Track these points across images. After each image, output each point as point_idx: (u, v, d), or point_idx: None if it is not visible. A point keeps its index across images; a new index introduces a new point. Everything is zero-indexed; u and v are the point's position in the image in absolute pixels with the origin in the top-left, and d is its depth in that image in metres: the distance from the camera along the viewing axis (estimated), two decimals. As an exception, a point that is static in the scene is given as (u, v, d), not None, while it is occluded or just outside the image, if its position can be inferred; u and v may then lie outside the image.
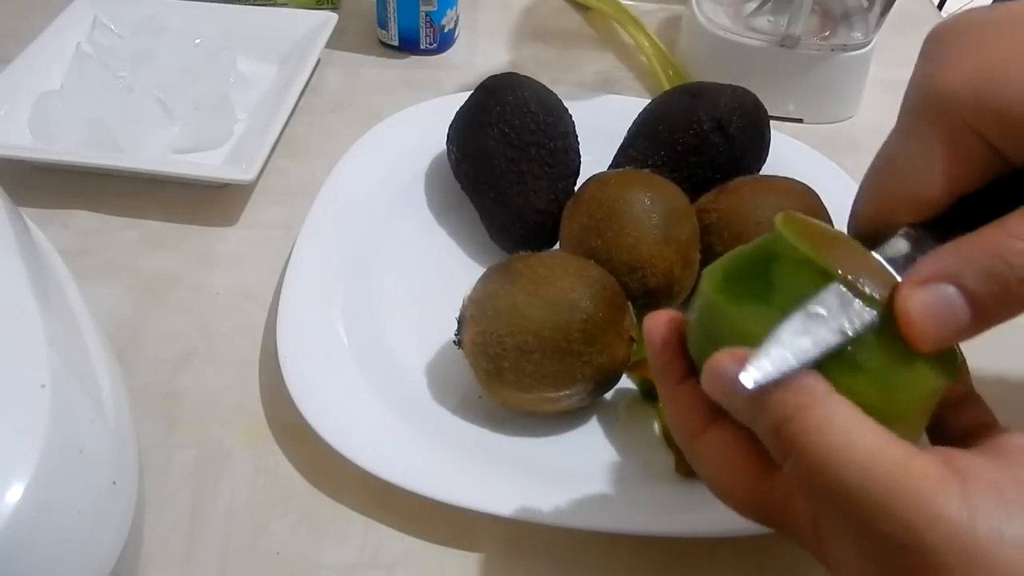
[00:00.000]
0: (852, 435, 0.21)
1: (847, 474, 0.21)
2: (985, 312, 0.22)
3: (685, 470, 0.37)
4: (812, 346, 0.22)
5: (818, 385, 0.22)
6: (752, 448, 0.25)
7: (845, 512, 0.21)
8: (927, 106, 0.24)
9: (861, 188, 0.27)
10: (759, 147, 0.48)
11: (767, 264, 0.24)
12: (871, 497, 0.20)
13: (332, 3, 0.68)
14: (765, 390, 0.22)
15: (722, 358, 0.23)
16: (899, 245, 0.25)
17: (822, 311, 0.22)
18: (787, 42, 0.57)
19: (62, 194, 0.52)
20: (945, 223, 0.24)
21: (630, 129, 0.50)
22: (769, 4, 0.60)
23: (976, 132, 0.23)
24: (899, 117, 0.26)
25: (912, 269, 0.23)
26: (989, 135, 0.23)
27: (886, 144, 0.26)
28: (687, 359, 0.27)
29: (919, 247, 0.24)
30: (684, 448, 0.28)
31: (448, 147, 0.50)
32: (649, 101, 0.50)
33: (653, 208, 0.41)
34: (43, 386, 0.28)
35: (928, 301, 0.22)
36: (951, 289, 0.22)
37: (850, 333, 0.22)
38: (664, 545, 0.36)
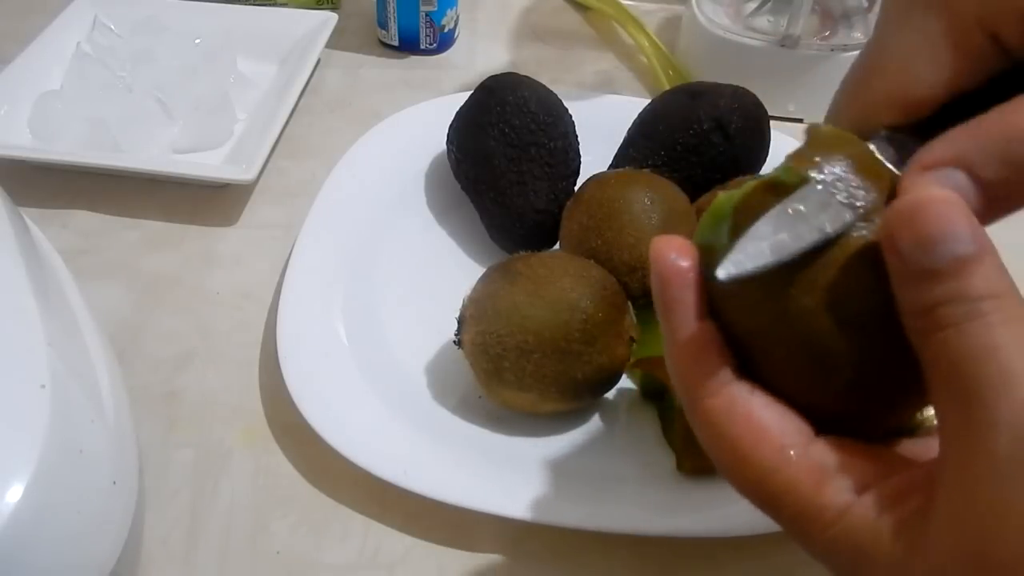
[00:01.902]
0: None
1: None
2: (997, 200, 0.20)
3: (686, 470, 0.37)
4: (791, 241, 0.21)
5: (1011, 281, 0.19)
6: (777, 419, 0.22)
7: None
8: None
9: (841, 87, 0.24)
10: (759, 147, 0.48)
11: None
12: None
13: (332, 3, 0.68)
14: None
15: (931, 192, 0.19)
16: (882, 148, 0.22)
17: (801, 207, 0.21)
18: (787, 42, 0.57)
19: (62, 194, 0.52)
20: (926, 129, 0.22)
21: (630, 129, 0.50)
22: (769, 4, 0.60)
23: (985, 26, 0.21)
24: (889, 5, 0.23)
25: (916, 154, 0.21)
26: (1004, 30, 0.21)
27: (874, 38, 0.24)
28: (704, 293, 0.23)
29: (902, 151, 0.22)
30: (689, 407, 0.23)
31: (448, 147, 0.50)
32: (649, 101, 0.50)
33: (653, 208, 0.41)
34: (43, 386, 0.28)
35: (935, 183, 0.20)
36: (960, 175, 0.20)
37: (829, 230, 0.21)
38: (664, 545, 0.36)
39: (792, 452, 0.22)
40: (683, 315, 0.23)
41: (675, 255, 0.23)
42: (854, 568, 0.20)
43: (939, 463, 0.20)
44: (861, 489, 0.21)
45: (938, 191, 0.19)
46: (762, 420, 0.22)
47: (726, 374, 0.23)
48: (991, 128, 0.20)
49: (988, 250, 0.19)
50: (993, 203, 0.20)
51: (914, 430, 0.24)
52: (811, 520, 0.21)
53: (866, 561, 0.20)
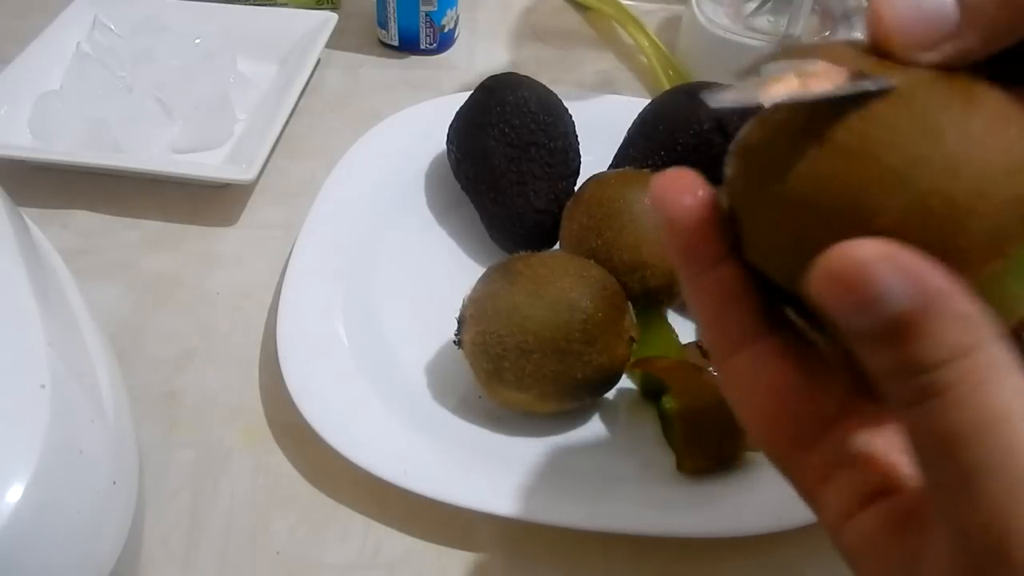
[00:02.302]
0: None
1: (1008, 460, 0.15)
2: (973, 20, 0.18)
3: (686, 470, 0.37)
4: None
5: (986, 324, 0.16)
6: (798, 393, 0.20)
7: (970, 500, 0.16)
8: None
9: None
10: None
11: None
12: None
13: (332, 3, 0.68)
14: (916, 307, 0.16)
15: (856, 248, 0.16)
16: None
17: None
18: (787, 42, 0.57)
19: (62, 194, 0.52)
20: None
21: (630, 129, 0.50)
22: (769, 4, 0.60)
23: None
24: None
25: None
26: None
27: None
28: (723, 234, 0.20)
29: None
30: (716, 364, 0.21)
31: (448, 147, 0.50)
32: (649, 101, 0.50)
33: (653, 208, 0.41)
34: (43, 386, 0.28)
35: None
36: None
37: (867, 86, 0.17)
38: (664, 545, 0.36)
39: (807, 436, 0.20)
40: (699, 261, 0.21)
41: (681, 194, 0.20)
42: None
43: (932, 528, 0.17)
44: (864, 500, 0.19)
45: (855, 247, 0.16)
46: (782, 393, 0.20)
47: (750, 327, 0.20)
48: None
49: (938, 294, 0.16)
50: (969, 19, 0.18)
51: None
52: (816, 510, 0.20)
53: None
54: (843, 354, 0.20)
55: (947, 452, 0.16)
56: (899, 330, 0.16)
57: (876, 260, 0.16)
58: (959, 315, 0.16)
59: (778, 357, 0.20)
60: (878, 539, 0.19)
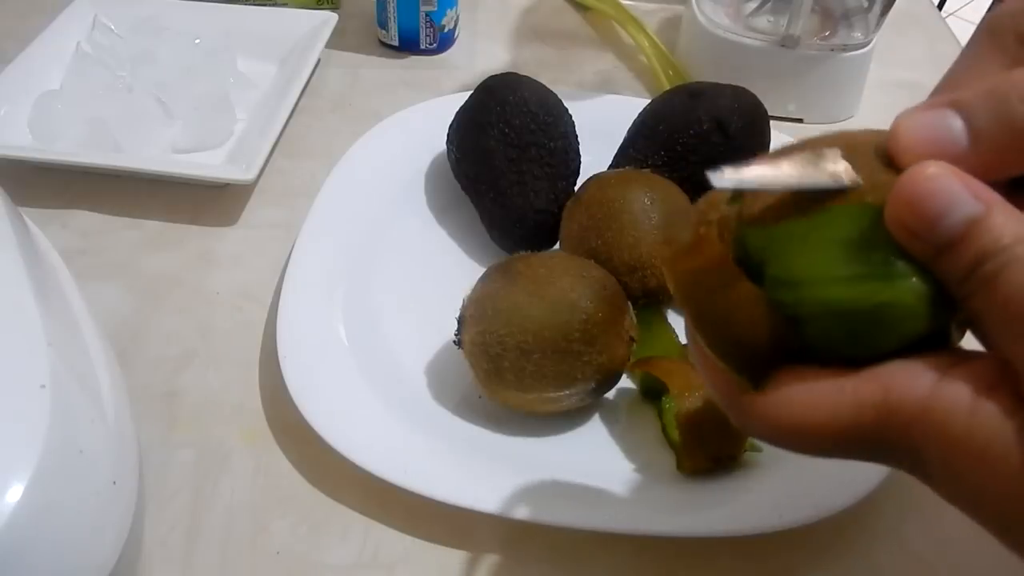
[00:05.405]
0: None
1: None
2: (983, 149, 0.20)
3: (686, 470, 0.37)
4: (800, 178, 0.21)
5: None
6: (815, 376, 0.22)
7: None
8: (985, 22, 0.23)
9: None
10: (759, 147, 0.48)
11: None
12: None
13: (332, 3, 0.68)
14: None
15: (926, 167, 0.19)
16: None
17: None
18: (787, 42, 0.57)
19: (62, 194, 0.52)
20: None
21: (630, 129, 0.50)
22: (769, 4, 0.60)
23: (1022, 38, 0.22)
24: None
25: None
26: None
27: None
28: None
29: None
30: (739, 409, 0.23)
31: (448, 147, 0.50)
32: (649, 101, 0.50)
33: (653, 208, 0.41)
34: (43, 386, 0.28)
35: (926, 120, 0.21)
36: (956, 120, 0.20)
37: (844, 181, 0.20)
38: (664, 545, 0.36)
39: (846, 384, 0.21)
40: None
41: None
42: (976, 460, 0.19)
43: None
44: (940, 375, 0.20)
45: (923, 167, 0.19)
46: (805, 391, 0.21)
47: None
48: (994, 84, 0.20)
49: (994, 201, 0.19)
50: (980, 147, 0.20)
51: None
52: (902, 424, 0.20)
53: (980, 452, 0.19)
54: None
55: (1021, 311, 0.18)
56: (971, 229, 0.19)
57: (940, 175, 0.19)
58: (1012, 210, 0.19)
59: (786, 388, 0.22)
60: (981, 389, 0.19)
